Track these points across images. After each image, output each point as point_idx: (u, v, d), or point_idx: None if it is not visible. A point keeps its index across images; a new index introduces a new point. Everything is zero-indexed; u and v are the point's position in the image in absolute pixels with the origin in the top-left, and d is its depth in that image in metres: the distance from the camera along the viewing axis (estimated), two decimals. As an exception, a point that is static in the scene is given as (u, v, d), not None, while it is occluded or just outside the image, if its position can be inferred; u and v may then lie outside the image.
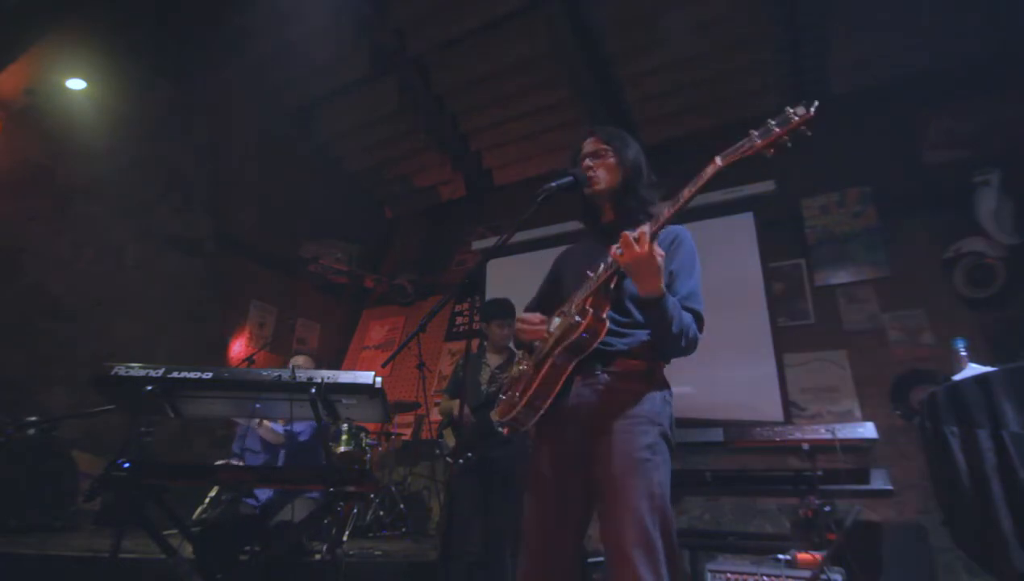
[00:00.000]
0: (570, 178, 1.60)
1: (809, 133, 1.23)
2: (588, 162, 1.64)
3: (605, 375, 1.48)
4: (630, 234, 1.31)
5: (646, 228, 1.32)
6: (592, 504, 1.48)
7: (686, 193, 1.33)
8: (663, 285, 1.36)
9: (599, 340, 1.42)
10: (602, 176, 1.64)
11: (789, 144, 1.26)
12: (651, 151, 1.78)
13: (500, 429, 1.59)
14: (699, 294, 1.53)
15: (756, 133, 1.28)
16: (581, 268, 1.57)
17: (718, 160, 1.31)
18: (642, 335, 1.50)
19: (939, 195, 4.37)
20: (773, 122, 1.26)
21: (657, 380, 1.52)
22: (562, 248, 1.91)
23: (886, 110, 4.79)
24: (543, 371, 1.48)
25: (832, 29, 4.70)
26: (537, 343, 1.60)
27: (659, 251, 1.32)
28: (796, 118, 1.23)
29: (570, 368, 1.47)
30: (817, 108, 1.23)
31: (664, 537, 1.31)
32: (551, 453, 1.52)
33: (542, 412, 1.48)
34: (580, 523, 1.49)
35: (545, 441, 1.55)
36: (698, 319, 1.49)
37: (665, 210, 1.36)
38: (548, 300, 1.78)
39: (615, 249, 1.36)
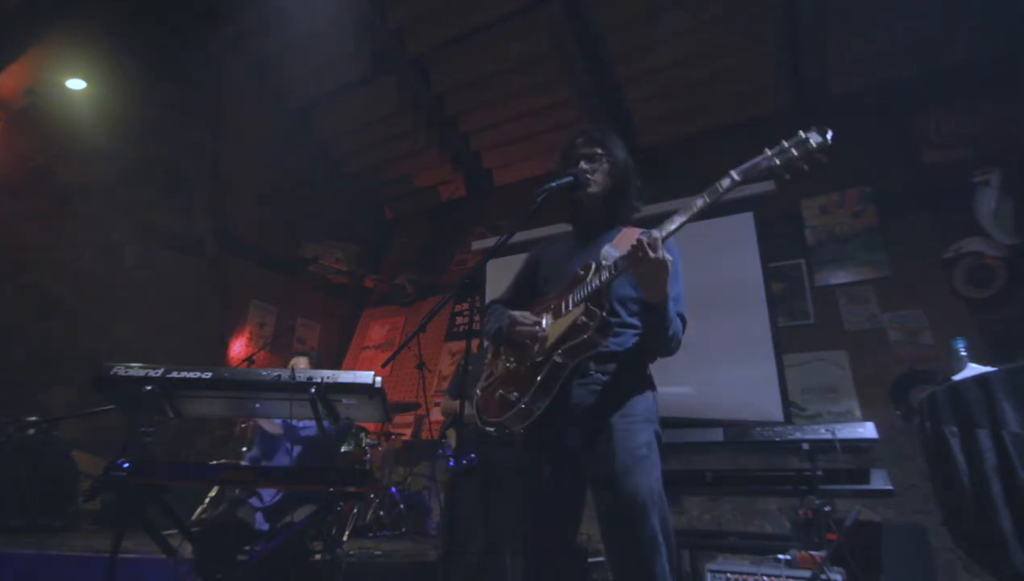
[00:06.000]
0: (570, 178, 1.60)
1: (825, 161, 1.26)
2: (584, 165, 1.64)
3: (600, 375, 1.50)
4: (645, 239, 1.33)
5: (658, 234, 1.35)
6: (584, 502, 1.51)
7: (700, 204, 1.36)
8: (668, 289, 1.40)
9: (607, 340, 1.45)
10: (599, 181, 1.65)
11: (806, 168, 1.29)
12: (650, 151, 1.79)
13: (487, 429, 1.55)
14: (684, 298, 1.58)
15: (771, 152, 1.32)
16: (565, 268, 1.59)
17: (735, 174, 1.35)
18: (631, 335, 1.54)
19: (939, 195, 4.37)
20: (788, 144, 1.29)
21: (647, 378, 1.57)
22: None
23: (886, 110, 4.79)
24: (544, 371, 1.47)
25: (832, 29, 4.71)
26: (528, 342, 1.58)
27: (669, 257, 1.36)
28: (813, 145, 1.26)
29: (570, 368, 1.47)
30: (833, 137, 1.26)
31: (664, 532, 1.36)
32: (547, 453, 1.54)
33: (539, 413, 1.48)
34: (576, 521, 1.53)
35: (539, 442, 1.55)
36: (682, 321, 1.54)
37: (676, 217, 1.39)
38: (522, 296, 1.78)
39: (629, 251, 1.36)
